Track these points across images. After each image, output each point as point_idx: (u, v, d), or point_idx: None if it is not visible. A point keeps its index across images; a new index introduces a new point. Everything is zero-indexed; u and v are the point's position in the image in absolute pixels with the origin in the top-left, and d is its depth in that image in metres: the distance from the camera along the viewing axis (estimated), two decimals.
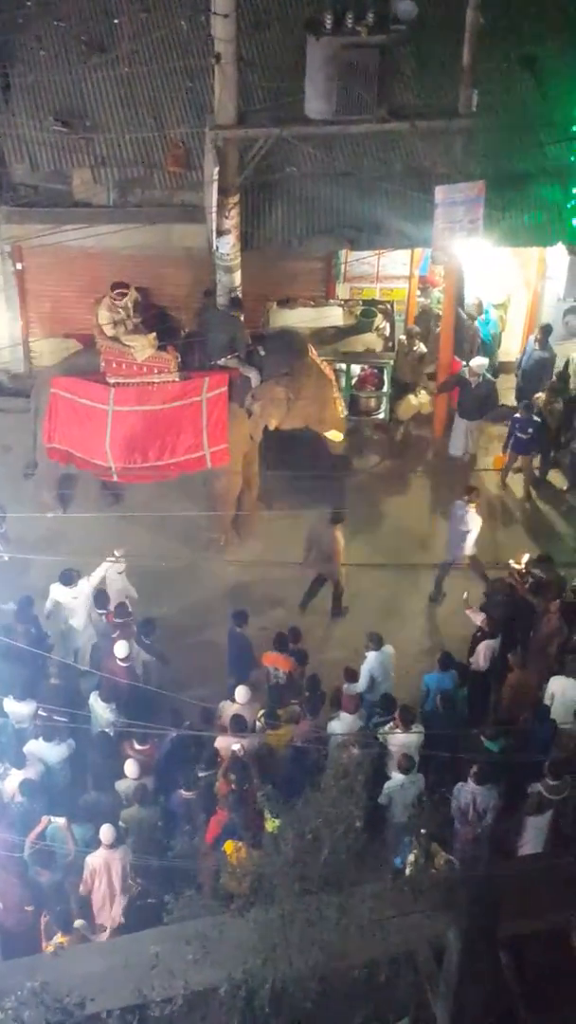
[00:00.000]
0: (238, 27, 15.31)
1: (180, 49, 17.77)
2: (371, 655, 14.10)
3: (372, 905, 9.74)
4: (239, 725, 13.08)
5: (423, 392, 18.58)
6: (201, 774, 12.76)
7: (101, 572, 14.78)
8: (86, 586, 14.65)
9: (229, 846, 11.83)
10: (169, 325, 16.43)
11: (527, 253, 18.77)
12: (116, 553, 14.91)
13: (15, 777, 12.75)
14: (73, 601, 14.60)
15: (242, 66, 15.97)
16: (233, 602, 15.35)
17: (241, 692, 13.52)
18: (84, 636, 14.73)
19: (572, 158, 17.45)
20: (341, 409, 16.83)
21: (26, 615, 14.33)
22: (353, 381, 18.17)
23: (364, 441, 18.39)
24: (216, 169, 15.82)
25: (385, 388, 18.29)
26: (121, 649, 13.89)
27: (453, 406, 17.98)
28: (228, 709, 13.48)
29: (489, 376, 17.66)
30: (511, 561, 15.03)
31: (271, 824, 11.56)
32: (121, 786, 12.86)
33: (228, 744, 13.05)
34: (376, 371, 18.21)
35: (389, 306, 18.64)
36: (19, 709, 13.46)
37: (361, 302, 18.68)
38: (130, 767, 12.82)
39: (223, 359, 16.20)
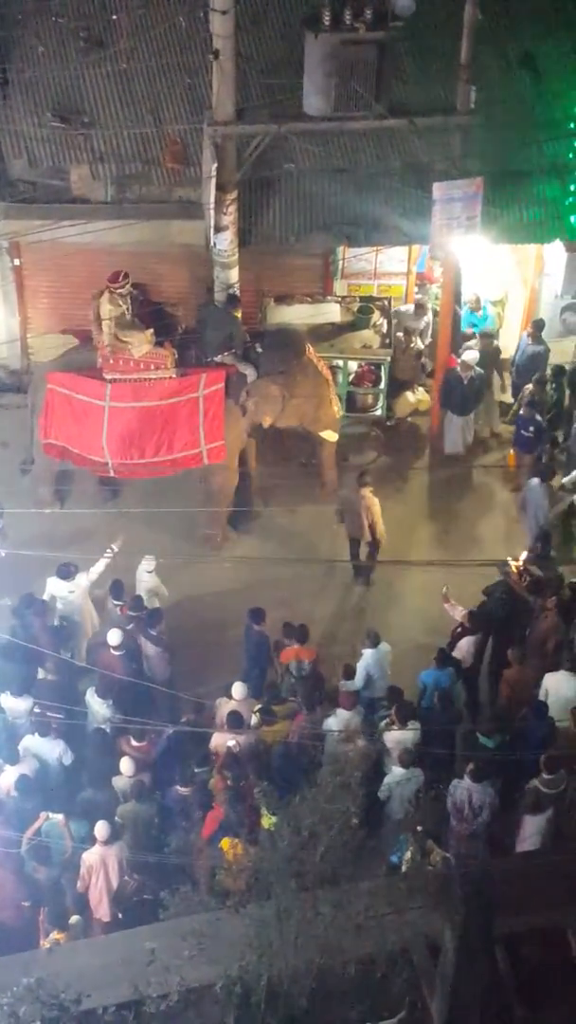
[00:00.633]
0: (236, 23, 15.29)
1: (178, 45, 17.73)
2: (367, 652, 14.11)
3: (368, 902, 9.75)
4: (235, 721, 13.08)
5: (420, 389, 18.59)
6: (197, 770, 12.76)
7: (100, 567, 14.77)
8: (84, 580, 14.64)
9: (225, 843, 11.83)
10: (166, 321, 16.41)
11: (525, 250, 18.77)
12: (113, 547, 14.92)
13: (11, 773, 12.75)
14: (70, 595, 14.59)
15: (240, 62, 15.95)
16: (232, 600, 15.37)
17: (238, 688, 13.51)
18: (81, 631, 14.72)
19: (570, 155, 17.42)
20: (337, 409, 16.83)
21: (36, 610, 14.30)
22: (351, 377, 18.16)
23: (361, 437, 18.37)
24: (214, 165, 15.81)
25: (382, 385, 18.28)
26: (114, 637, 13.88)
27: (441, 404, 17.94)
28: (224, 706, 13.49)
29: (481, 371, 17.65)
30: (509, 558, 15.03)
31: (267, 821, 11.57)
32: (118, 783, 12.86)
33: (224, 740, 13.06)
34: (373, 367, 18.19)
35: (386, 302, 18.63)
36: (16, 705, 13.46)
37: (359, 298, 18.67)
38: (126, 765, 12.82)
39: (219, 356, 16.19)
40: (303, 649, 14.21)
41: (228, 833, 11.95)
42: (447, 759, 13.09)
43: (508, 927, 10.45)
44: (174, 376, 16.09)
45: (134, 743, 13.14)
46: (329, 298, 18.66)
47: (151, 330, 15.96)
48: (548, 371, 17.90)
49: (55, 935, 11.47)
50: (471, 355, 17.56)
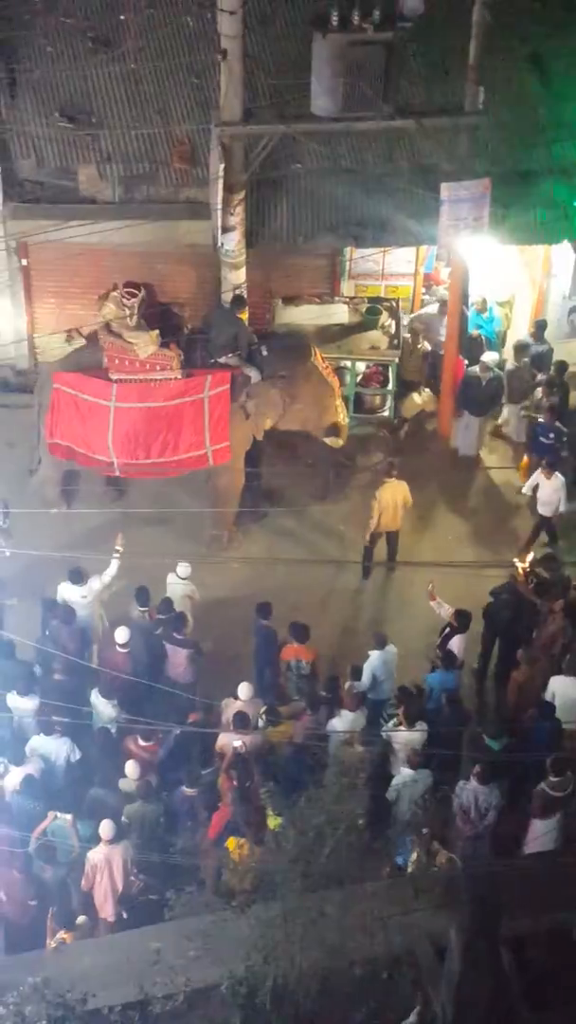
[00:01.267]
0: (244, 24, 15.31)
1: (186, 46, 17.76)
2: (374, 654, 14.09)
3: (374, 903, 9.75)
4: (241, 722, 13.07)
5: (427, 390, 18.57)
6: (203, 771, 12.74)
7: (112, 570, 14.73)
8: (96, 584, 14.62)
9: (231, 843, 11.82)
10: (172, 322, 16.40)
11: (532, 251, 18.77)
12: (118, 547, 14.90)
13: (17, 773, 12.75)
14: (83, 600, 14.58)
15: (248, 63, 15.98)
16: (238, 600, 15.35)
17: (244, 689, 13.50)
18: (94, 635, 14.70)
19: None
20: (343, 415, 16.77)
21: (60, 616, 14.32)
22: (358, 378, 18.15)
23: (369, 438, 18.36)
24: (221, 166, 15.82)
25: (390, 386, 18.27)
26: (121, 635, 13.87)
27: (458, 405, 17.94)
28: (231, 706, 13.48)
29: (499, 372, 17.65)
30: (516, 560, 15.01)
31: (273, 821, 11.56)
32: (125, 784, 12.84)
33: (229, 741, 13.05)
34: (381, 368, 18.19)
35: (394, 303, 18.63)
36: (22, 704, 13.46)
37: (366, 299, 18.66)
38: (130, 768, 12.78)
39: (223, 357, 16.18)
40: (303, 648, 14.20)
41: (234, 833, 11.95)
42: (455, 761, 13.07)
43: (514, 929, 10.43)
44: (180, 377, 16.09)
45: (141, 742, 13.13)
46: (337, 299, 18.66)
47: (157, 331, 15.95)
48: (552, 370, 17.90)
49: (62, 935, 11.47)
50: (490, 356, 17.53)
